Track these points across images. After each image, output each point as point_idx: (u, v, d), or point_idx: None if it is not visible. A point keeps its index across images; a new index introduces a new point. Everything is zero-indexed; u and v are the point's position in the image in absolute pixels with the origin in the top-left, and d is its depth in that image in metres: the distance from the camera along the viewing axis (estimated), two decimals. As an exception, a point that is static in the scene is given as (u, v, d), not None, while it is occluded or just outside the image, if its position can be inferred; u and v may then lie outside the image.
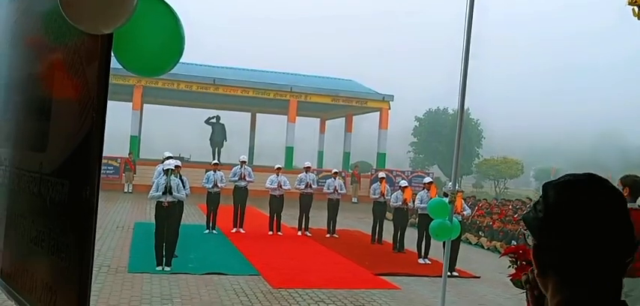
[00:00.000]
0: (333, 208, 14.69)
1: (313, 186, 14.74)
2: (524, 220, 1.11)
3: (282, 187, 14.15)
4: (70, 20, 1.67)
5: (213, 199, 13.57)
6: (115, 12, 1.64)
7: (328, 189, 14.79)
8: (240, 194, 14.10)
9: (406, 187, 13.34)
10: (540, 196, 1.09)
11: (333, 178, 14.93)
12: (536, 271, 1.10)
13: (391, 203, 13.31)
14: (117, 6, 1.65)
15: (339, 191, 14.76)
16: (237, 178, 14.16)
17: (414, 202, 12.85)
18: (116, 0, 1.66)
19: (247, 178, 14.20)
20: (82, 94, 1.86)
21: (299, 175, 15.08)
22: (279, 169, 14.61)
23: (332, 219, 14.68)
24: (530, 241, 1.13)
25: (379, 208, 14.16)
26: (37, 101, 2.39)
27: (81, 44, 1.91)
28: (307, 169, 15.06)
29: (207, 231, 13.56)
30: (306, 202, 14.60)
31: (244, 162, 14.46)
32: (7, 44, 2.90)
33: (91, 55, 1.84)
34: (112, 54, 1.83)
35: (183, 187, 9.75)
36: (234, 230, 13.89)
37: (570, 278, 1.03)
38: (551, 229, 1.04)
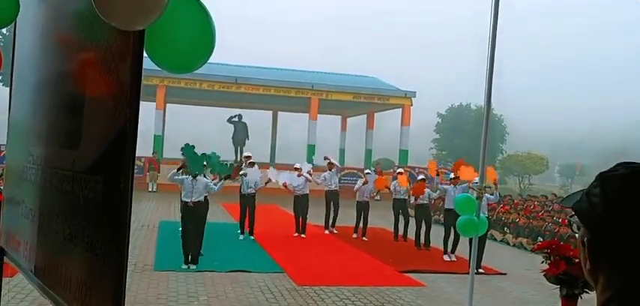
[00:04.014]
0: (363, 209, 14.10)
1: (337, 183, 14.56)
2: (579, 211, 1.07)
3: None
4: (103, 17, 1.68)
5: (245, 201, 12.72)
6: (147, 8, 1.65)
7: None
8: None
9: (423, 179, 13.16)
10: (594, 187, 1.05)
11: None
12: (588, 266, 1.06)
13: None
14: (149, 2, 1.65)
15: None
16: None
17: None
18: (148, -4, 1.66)
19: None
20: (116, 91, 1.87)
21: (324, 174, 14.69)
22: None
23: (363, 221, 14.06)
24: (580, 233, 1.09)
25: (398, 205, 14.00)
26: (68, 99, 2.41)
27: (113, 42, 1.92)
28: (330, 166, 14.72)
29: (242, 236, 12.70)
30: (332, 199, 14.41)
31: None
32: (37, 44, 2.94)
33: (123, 52, 1.85)
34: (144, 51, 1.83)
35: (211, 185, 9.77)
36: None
37: (630, 267, 1.00)
38: (616, 220, 1.00)
